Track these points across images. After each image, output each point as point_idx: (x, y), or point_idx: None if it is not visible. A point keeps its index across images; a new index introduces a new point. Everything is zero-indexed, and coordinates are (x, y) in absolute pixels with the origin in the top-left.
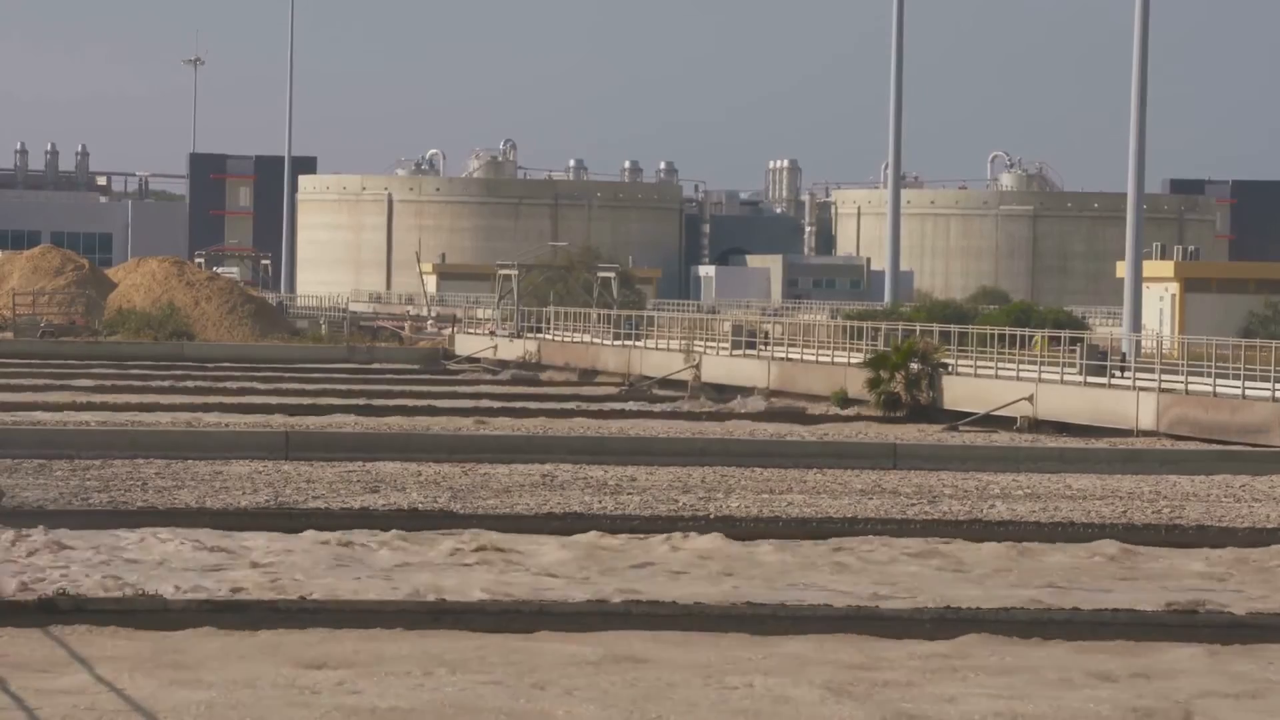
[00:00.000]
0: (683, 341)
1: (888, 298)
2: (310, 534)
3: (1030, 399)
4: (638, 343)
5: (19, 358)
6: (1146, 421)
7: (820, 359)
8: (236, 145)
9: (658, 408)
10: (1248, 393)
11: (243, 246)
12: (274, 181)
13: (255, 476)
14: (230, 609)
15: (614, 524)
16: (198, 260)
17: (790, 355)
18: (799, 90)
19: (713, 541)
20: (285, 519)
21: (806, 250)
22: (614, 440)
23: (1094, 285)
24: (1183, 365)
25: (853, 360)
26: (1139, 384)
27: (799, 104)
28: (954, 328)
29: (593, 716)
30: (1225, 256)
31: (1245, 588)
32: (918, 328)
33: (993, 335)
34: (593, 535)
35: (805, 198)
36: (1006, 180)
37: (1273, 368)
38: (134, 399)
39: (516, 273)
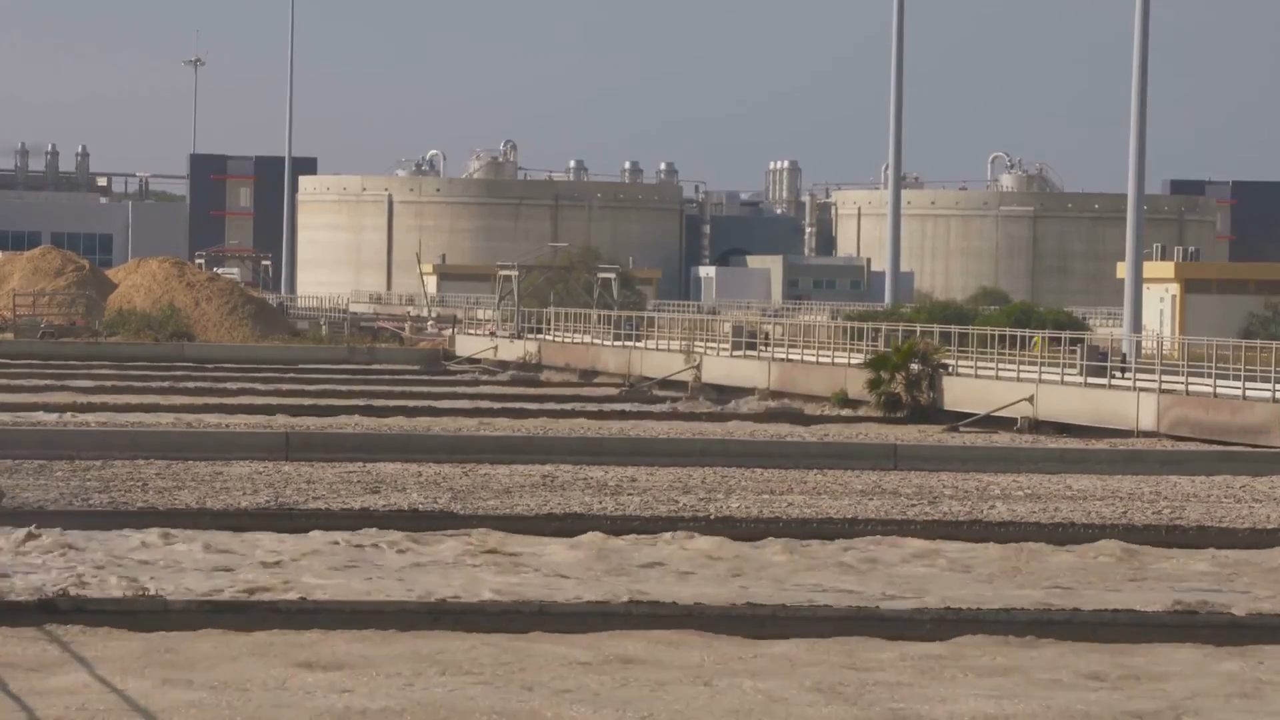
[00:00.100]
0: (683, 342)
1: (888, 298)
2: (318, 535)
3: (1031, 400)
4: (638, 343)
5: (19, 358)
6: (1147, 422)
7: (820, 360)
8: (236, 145)
9: (658, 408)
10: (1248, 393)
11: (243, 247)
12: (274, 182)
13: (256, 477)
14: (230, 609)
15: (614, 525)
16: (198, 261)
17: (790, 356)
18: (799, 91)
19: (719, 542)
20: (287, 519)
21: (807, 251)
22: (614, 441)
23: (1094, 286)
24: (1183, 366)
25: (853, 361)
26: (1139, 385)
27: (799, 105)
28: (954, 328)
29: (581, 716)
30: (1225, 257)
31: (1253, 588)
32: (918, 328)
33: (993, 336)
34: (597, 536)
35: (805, 198)
36: (1007, 181)
37: (1273, 368)
38: (134, 400)
39: (517, 273)
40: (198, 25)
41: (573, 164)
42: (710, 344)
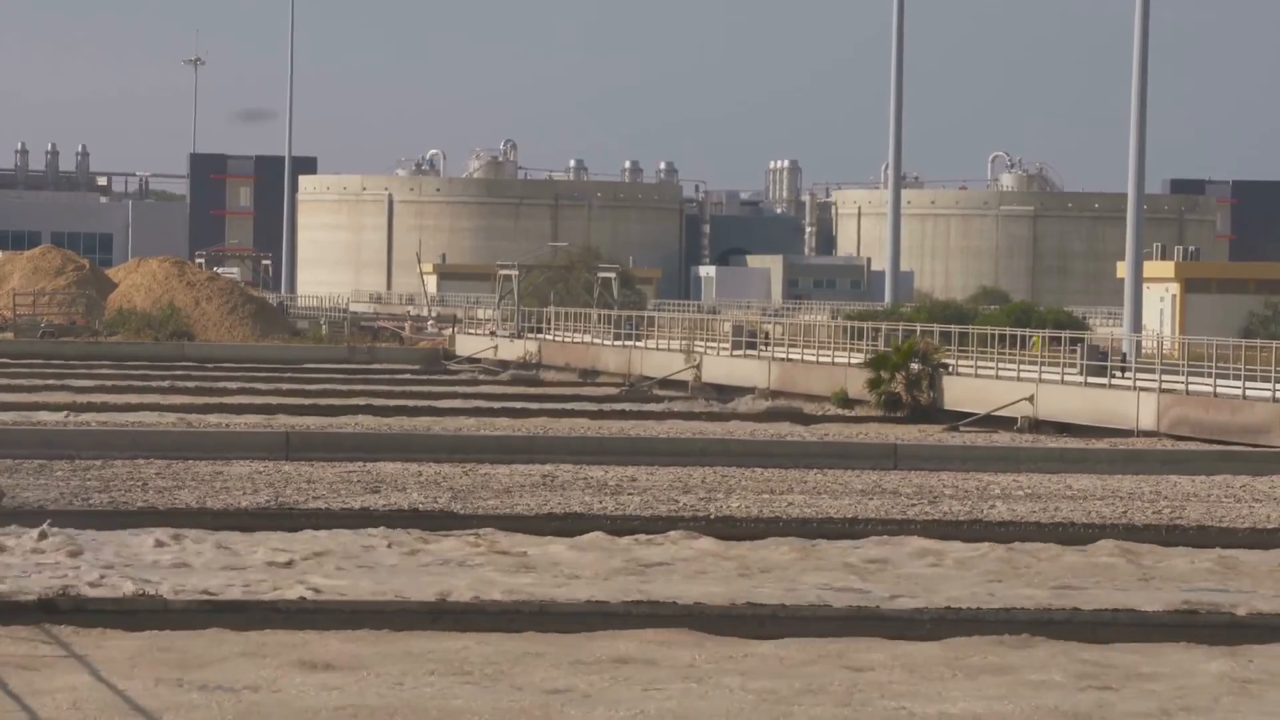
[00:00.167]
0: (683, 342)
1: (888, 298)
2: (324, 535)
3: (1031, 399)
4: (638, 343)
5: (19, 358)
6: (1147, 422)
7: (820, 359)
8: (236, 145)
9: (658, 408)
10: (1248, 393)
11: (243, 247)
12: (274, 181)
13: (256, 477)
14: (230, 609)
15: (615, 524)
16: (198, 260)
17: (791, 355)
18: (799, 90)
19: (726, 545)
20: (287, 519)
21: (807, 250)
22: (614, 440)
23: (1094, 285)
24: (1183, 365)
25: (853, 361)
26: (1139, 384)
27: (800, 104)
28: (954, 328)
29: (570, 716)
30: (1225, 257)
31: (1254, 588)
32: (918, 328)
33: (993, 335)
34: (599, 536)
35: (805, 198)
36: (1007, 180)
37: (1273, 368)
38: (134, 399)
39: (517, 273)
40: (198, 25)
41: (573, 164)
42: (710, 344)
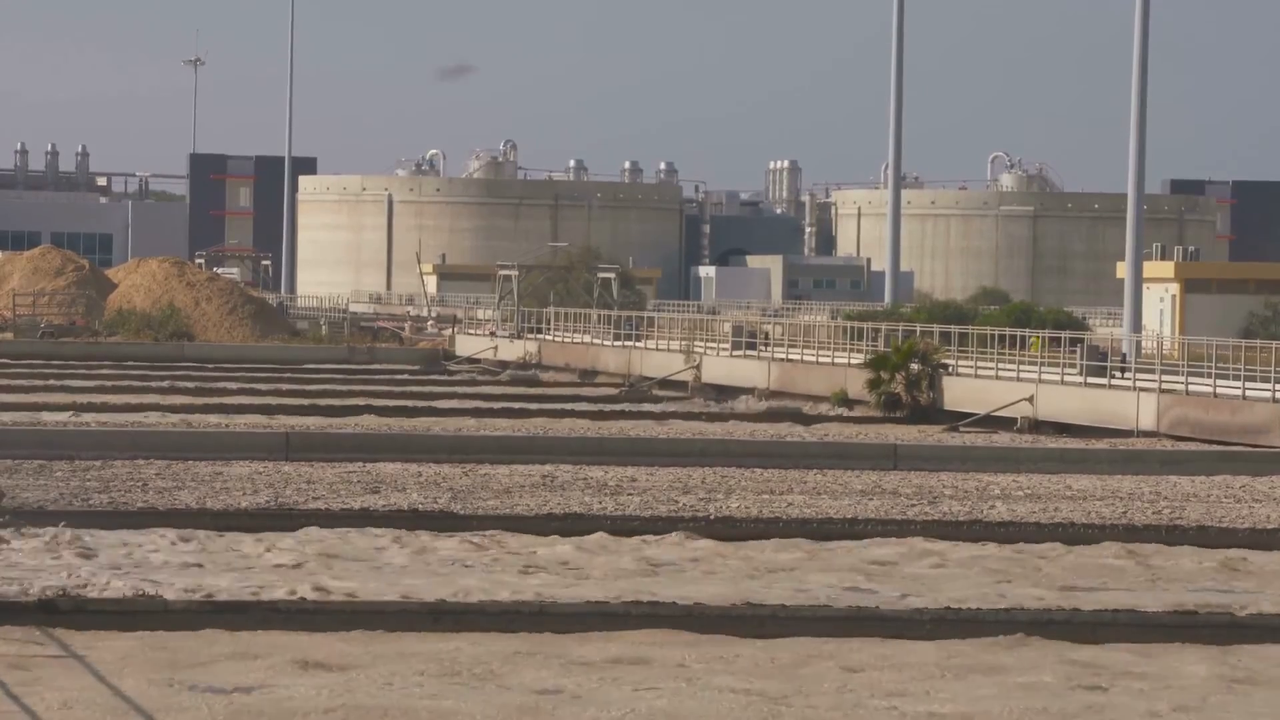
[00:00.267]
0: (683, 342)
1: (888, 298)
2: (328, 534)
3: (1030, 400)
4: (638, 343)
5: (19, 358)
6: (1147, 422)
7: (820, 360)
8: (236, 145)
9: (658, 408)
10: (1248, 393)
11: (243, 247)
12: (274, 182)
13: (256, 477)
14: (230, 609)
15: (615, 525)
16: (198, 261)
17: (790, 356)
18: (799, 91)
19: (731, 546)
20: (286, 519)
21: (807, 251)
22: (614, 441)
23: (1094, 286)
24: (1183, 366)
25: (853, 361)
26: (1139, 385)
27: (799, 105)
28: (954, 328)
29: (559, 716)
30: (1225, 257)
31: (1255, 588)
32: (918, 328)
33: (993, 336)
34: (603, 536)
35: (805, 198)
36: (1006, 181)
37: (1273, 368)
38: (134, 400)
39: (517, 273)
40: (198, 25)
41: (573, 164)
42: (710, 344)
